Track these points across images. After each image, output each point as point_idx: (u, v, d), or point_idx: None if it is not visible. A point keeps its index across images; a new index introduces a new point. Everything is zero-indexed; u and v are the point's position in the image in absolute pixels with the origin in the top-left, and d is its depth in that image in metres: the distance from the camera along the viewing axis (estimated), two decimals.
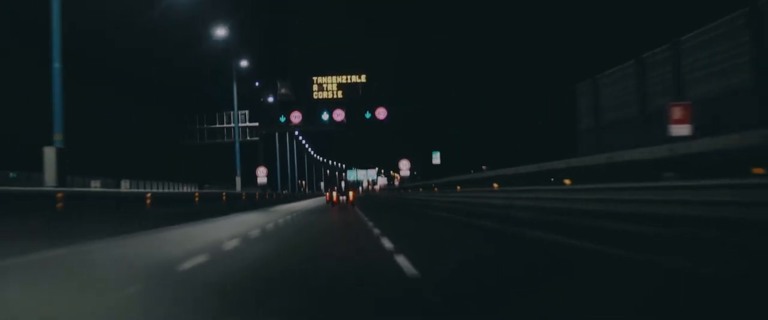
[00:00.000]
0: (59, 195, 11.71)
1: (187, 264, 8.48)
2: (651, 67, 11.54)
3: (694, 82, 10.23)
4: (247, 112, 46.35)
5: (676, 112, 9.48)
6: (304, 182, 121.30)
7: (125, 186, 37.96)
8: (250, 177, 47.77)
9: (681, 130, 9.40)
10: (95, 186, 32.40)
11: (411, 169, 43.99)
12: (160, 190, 41.05)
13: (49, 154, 13.91)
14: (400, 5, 70.92)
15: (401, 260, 8.30)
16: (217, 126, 46.94)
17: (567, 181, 12.02)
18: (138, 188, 40.37)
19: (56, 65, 14.04)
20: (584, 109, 14.37)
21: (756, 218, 6.94)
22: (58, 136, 13.91)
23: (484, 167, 31.06)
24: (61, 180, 13.80)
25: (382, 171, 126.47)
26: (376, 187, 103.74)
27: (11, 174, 31.15)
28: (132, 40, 43.02)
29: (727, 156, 7.88)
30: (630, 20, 28.35)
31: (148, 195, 17.49)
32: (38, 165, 14.89)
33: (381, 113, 45.88)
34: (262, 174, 45.07)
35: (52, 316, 5.55)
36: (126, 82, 46.16)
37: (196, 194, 23.94)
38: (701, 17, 11.25)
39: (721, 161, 7.48)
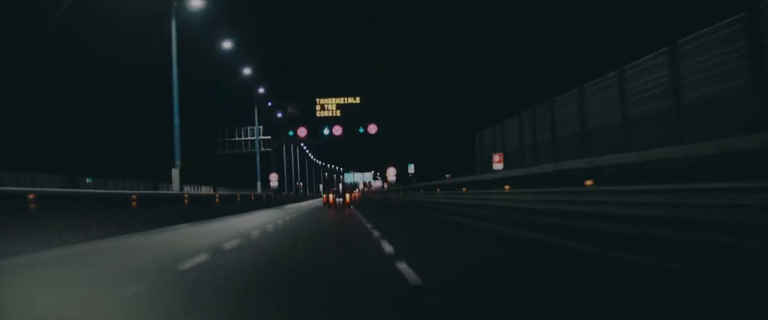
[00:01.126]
0: (185, 196, 21.78)
1: (270, 227, 18.43)
2: (505, 128, 21.63)
3: (510, 140, 20.28)
4: (261, 127, 56.63)
5: (496, 157, 19.66)
6: (301, 184, 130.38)
7: (206, 190, 47.98)
8: (262, 181, 57.80)
9: (498, 166, 19.53)
10: (187, 190, 42.53)
11: (397, 175, 54.29)
12: (221, 193, 51.12)
13: (175, 173, 24.08)
14: (388, 36, 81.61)
15: (367, 224, 18.22)
16: (237, 139, 57.30)
17: (464, 189, 22.07)
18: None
19: (176, 121, 24.25)
20: (478, 147, 24.38)
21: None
22: (178, 162, 24.01)
23: (448, 175, 41.14)
24: (181, 187, 23.96)
25: (378, 173, 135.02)
26: (371, 189, 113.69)
27: (87, 179, 40.88)
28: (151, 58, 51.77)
29: (538, 176, 17.86)
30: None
31: (217, 196, 27.64)
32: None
33: (372, 128, 56.21)
34: (274, 178, 55.44)
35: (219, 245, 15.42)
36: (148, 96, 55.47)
37: (238, 195, 34.08)
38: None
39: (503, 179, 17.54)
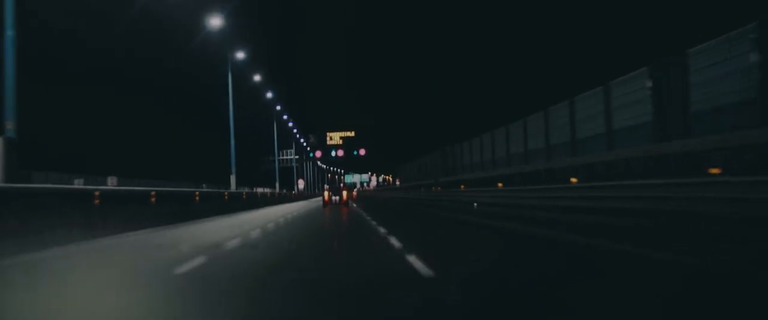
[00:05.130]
0: (278, 193, 38.91)
1: (312, 206, 35.29)
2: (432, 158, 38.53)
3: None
4: (293, 150, 74.66)
5: (397, 180, 36.83)
6: (303, 182, 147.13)
7: (261, 190, 65.13)
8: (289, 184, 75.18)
9: (397, 183, 36.68)
10: (262, 191, 59.83)
11: (378, 182, 71.90)
12: (270, 190, 68.20)
13: (277, 185, 41.01)
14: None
15: (353, 204, 34.94)
16: (279, 158, 75.04)
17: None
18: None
19: (277, 177, 41.24)
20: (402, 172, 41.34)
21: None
22: (277, 184, 40.85)
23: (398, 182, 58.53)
24: (277, 188, 40.93)
25: (375, 175, 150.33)
26: (368, 188, 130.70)
27: (204, 185, 57.14)
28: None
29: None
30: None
31: (268, 192, 44.93)
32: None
33: (362, 151, 73.64)
34: (301, 184, 73.12)
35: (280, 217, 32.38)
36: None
37: (290, 193, 51.63)
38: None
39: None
